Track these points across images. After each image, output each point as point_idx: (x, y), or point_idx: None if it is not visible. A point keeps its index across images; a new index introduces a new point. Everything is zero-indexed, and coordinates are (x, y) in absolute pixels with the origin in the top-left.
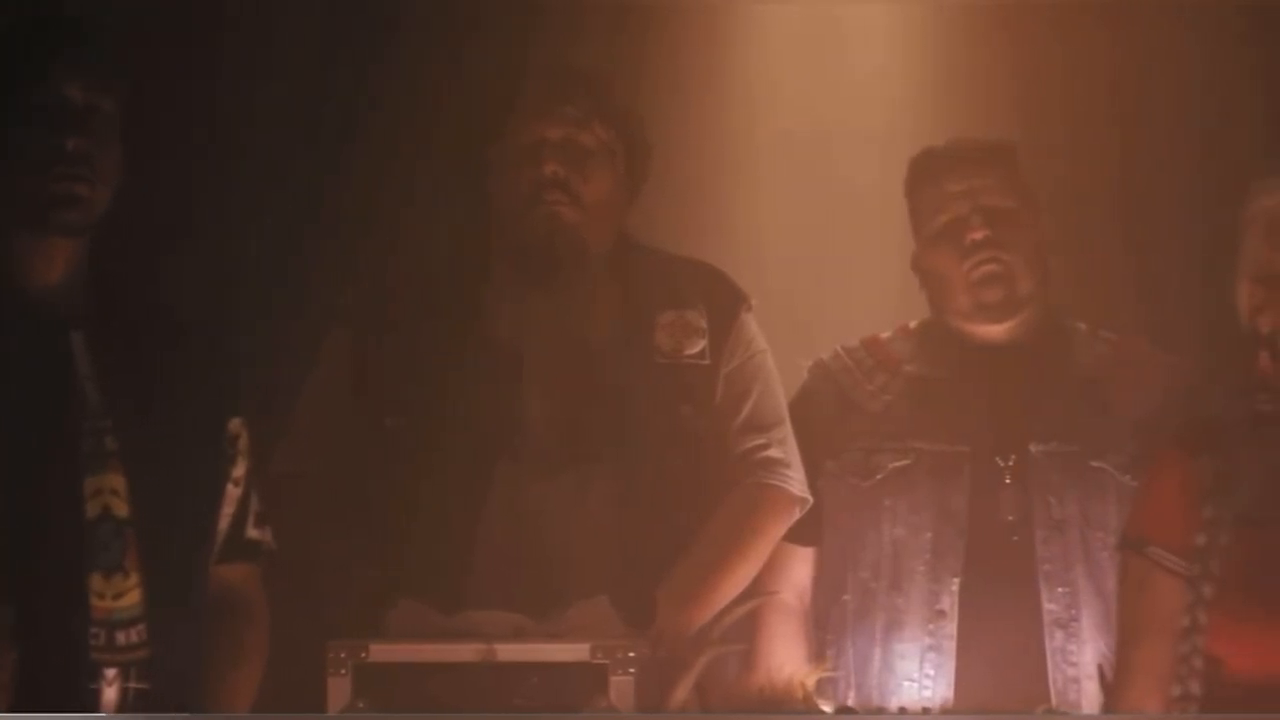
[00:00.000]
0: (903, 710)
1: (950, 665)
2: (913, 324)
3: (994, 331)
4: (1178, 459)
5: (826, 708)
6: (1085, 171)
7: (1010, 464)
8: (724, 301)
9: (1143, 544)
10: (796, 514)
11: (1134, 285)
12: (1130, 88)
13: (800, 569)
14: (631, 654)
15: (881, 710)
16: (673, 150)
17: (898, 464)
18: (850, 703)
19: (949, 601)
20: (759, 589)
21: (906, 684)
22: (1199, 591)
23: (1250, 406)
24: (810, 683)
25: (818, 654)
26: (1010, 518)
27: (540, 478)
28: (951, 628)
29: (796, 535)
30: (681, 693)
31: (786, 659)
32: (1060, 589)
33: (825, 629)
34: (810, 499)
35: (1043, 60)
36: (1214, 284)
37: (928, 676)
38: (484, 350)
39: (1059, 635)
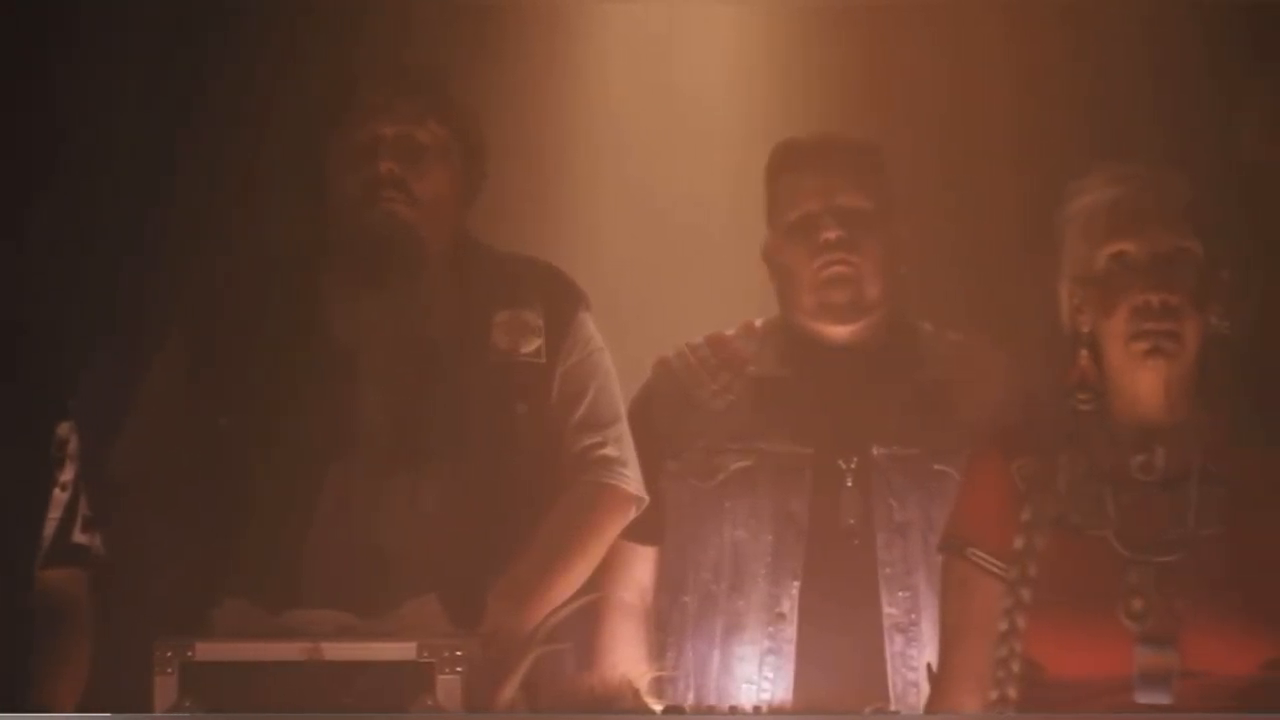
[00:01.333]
0: (733, 709)
1: (790, 668)
2: (759, 322)
3: (839, 332)
4: (996, 460)
5: (656, 707)
6: (929, 171)
7: (852, 466)
8: (561, 300)
9: (963, 546)
10: (632, 513)
11: (977, 285)
12: (970, 89)
13: (642, 568)
14: (459, 653)
15: (712, 710)
16: (511, 149)
17: (739, 465)
18: (688, 704)
19: (789, 604)
20: (598, 587)
21: (746, 686)
22: (1017, 595)
23: (1069, 407)
24: (642, 682)
25: (657, 654)
26: (851, 521)
27: (374, 476)
28: (791, 631)
29: (638, 534)
30: (508, 692)
31: (623, 658)
32: (901, 593)
33: (665, 630)
34: (646, 497)
35: (882, 62)
36: (1046, 283)
37: (766, 679)
38: (319, 349)
39: (899, 639)
